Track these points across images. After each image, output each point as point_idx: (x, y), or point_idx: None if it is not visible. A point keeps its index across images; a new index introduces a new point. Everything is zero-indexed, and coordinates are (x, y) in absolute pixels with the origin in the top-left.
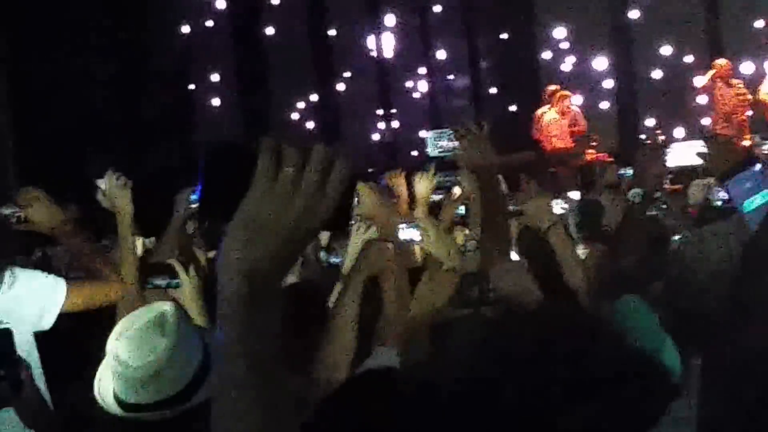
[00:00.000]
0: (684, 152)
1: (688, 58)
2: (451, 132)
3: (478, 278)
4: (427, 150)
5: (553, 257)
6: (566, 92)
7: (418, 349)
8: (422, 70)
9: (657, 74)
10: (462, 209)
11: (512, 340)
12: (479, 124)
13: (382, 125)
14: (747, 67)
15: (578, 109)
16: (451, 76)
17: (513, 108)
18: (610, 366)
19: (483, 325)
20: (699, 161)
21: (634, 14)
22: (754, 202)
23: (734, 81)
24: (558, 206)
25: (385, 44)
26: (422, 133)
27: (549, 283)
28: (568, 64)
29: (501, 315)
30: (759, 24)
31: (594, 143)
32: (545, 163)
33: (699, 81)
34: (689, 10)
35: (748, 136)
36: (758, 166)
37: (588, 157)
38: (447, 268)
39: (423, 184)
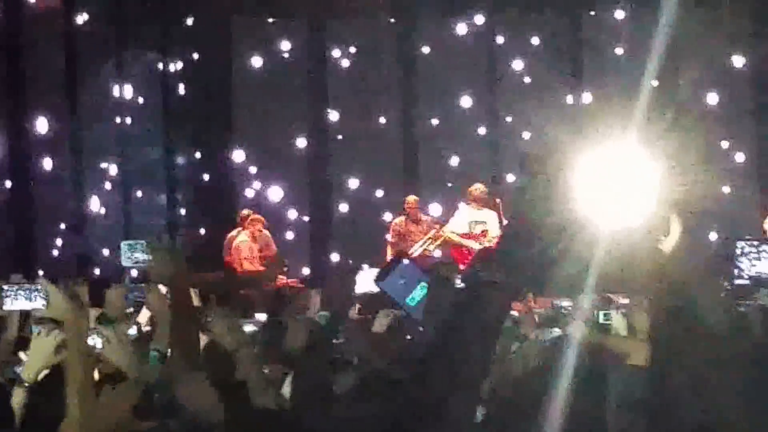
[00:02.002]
0: (371, 283)
1: (379, 193)
2: (144, 244)
3: (163, 389)
4: (120, 260)
5: (239, 376)
6: (258, 217)
7: None
8: (108, 185)
9: (344, 207)
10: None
11: None
12: (172, 239)
13: (72, 237)
14: (435, 208)
15: (269, 234)
16: (140, 193)
17: (203, 230)
18: None
19: None
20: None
21: (330, 148)
22: (415, 298)
23: (422, 217)
24: (246, 326)
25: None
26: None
27: (235, 402)
28: (252, 191)
29: (186, 428)
30: (454, 162)
31: (284, 268)
32: (235, 284)
33: (388, 216)
34: (383, 146)
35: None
36: (405, 261)
37: (278, 282)
38: (129, 378)
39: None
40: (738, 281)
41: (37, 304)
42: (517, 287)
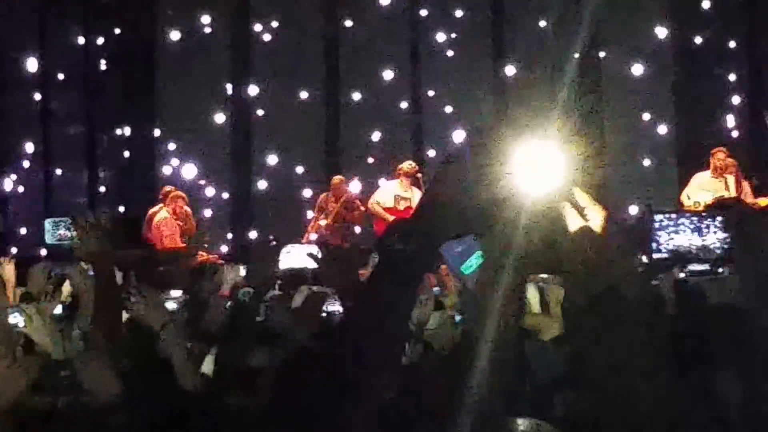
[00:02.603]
0: (296, 257)
1: (299, 169)
2: (69, 221)
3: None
4: (45, 238)
5: (161, 354)
6: (179, 193)
7: None
8: (26, 163)
9: (263, 183)
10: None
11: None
12: (97, 216)
13: None
14: (356, 185)
15: (190, 210)
16: (60, 171)
17: (122, 207)
18: None
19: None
20: (309, 266)
21: (250, 123)
22: (471, 266)
23: (347, 194)
24: (167, 303)
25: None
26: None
27: (161, 381)
28: (170, 168)
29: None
30: (375, 137)
31: (205, 244)
32: (155, 260)
33: (308, 193)
34: (305, 122)
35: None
36: None
37: (199, 258)
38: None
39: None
40: (656, 255)
41: None
42: (431, 259)
